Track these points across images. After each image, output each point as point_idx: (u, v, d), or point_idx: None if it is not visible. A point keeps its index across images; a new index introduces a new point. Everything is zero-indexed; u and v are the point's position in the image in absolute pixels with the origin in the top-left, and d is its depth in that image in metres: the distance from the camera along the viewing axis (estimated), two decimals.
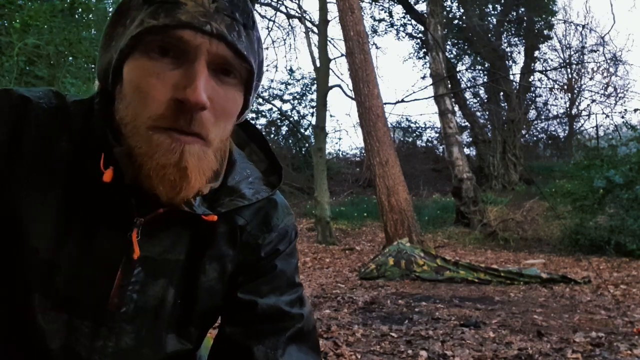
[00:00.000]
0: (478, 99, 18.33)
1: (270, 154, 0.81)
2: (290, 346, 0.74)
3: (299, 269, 0.84)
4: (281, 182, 0.78)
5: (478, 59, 17.70)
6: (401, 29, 17.30)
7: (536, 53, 17.74)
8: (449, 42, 17.16)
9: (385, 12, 17.34)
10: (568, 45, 18.55)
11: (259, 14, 15.95)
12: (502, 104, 16.98)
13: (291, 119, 18.15)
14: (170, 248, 0.69)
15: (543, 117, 19.01)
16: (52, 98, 0.67)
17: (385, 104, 9.22)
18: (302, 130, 18.03)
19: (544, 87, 18.02)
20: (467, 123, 16.83)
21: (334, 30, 38.59)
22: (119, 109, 0.63)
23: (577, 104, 18.79)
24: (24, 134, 0.63)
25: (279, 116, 18.57)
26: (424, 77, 17.86)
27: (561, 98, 18.94)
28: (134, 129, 0.60)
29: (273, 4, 14.99)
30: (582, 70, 17.98)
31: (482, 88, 17.75)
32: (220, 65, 0.61)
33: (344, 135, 28.59)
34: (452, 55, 17.37)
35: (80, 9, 6.48)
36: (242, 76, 0.65)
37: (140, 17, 0.59)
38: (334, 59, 16.70)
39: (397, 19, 17.23)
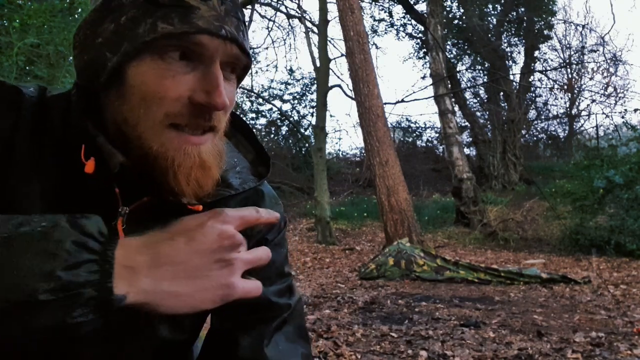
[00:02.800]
0: (478, 99, 18.35)
1: (257, 144, 0.80)
2: (278, 335, 0.75)
3: (288, 258, 0.84)
4: (269, 172, 0.78)
5: (478, 59, 17.71)
6: (401, 29, 17.33)
7: (536, 53, 17.76)
8: (449, 42, 17.17)
9: (385, 12, 17.37)
10: (568, 45, 18.58)
11: (259, 14, 15.95)
12: (502, 104, 16.99)
13: (291, 119, 18.14)
14: None
15: (543, 117, 19.03)
16: (38, 91, 0.68)
17: (385, 104, 9.23)
18: (302, 130, 18.03)
19: (544, 87, 18.05)
20: (467, 123, 16.84)
21: (334, 30, 38.57)
22: (119, 110, 0.62)
23: (577, 104, 18.82)
24: (20, 128, 0.63)
25: (279, 116, 18.57)
26: (424, 77, 17.89)
27: (561, 98, 18.96)
28: (144, 128, 0.60)
29: (273, 4, 15.00)
30: (582, 70, 18.01)
31: (482, 88, 17.77)
32: (228, 64, 0.64)
33: (344, 135, 28.63)
34: (452, 55, 17.38)
35: (80, 9, 6.48)
36: (240, 68, 0.67)
37: (150, 20, 0.58)
38: (334, 59, 16.72)
39: (397, 19, 17.27)
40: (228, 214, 0.58)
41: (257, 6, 14.82)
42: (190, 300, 0.54)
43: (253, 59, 0.76)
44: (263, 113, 18.71)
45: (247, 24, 0.69)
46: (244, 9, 0.69)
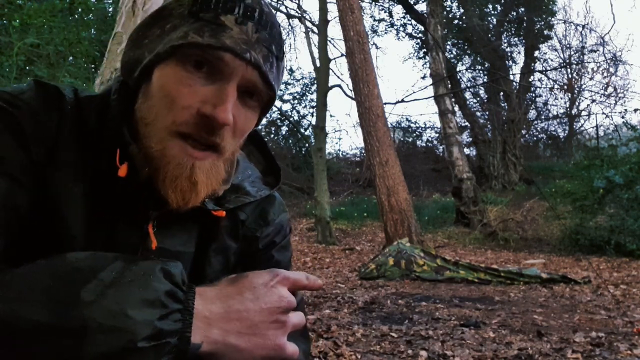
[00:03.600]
0: (478, 99, 18.35)
1: (267, 155, 0.85)
2: None
3: (292, 263, 0.88)
4: (279, 183, 0.83)
5: (478, 59, 17.71)
6: (401, 29, 17.34)
7: (536, 53, 17.77)
8: (449, 42, 17.17)
9: (385, 12, 17.39)
10: (568, 45, 18.59)
11: None
12: (502, 104, 16.99)
13: (291, 119, 18.16)
14: (184, 241, 0.73)
15: (543, 117, 19.04)
16: (74, 93, 0.70)
17: (385, 104, 9.23)
18: (302, 130, 18.04)
19: (544, 87, 18.04)
20: (467, 123, 16.84)
21: (334, 30, 38.59)
22: (141, 107, 0.66)
23: (577, 104, 18.82)
24: (63, 127, 0.65)
25: (279, 116, 18.58)
26: (424, 77, 17.90)
27: (561, 98, 18.97)
28: (153, 130, 0.63)
29: (273, 4, 14.98)
30: (582, 70, 18.01)
31: (482, 88, 17.77)
32: (247, 88, 0.65)
33: (344, 135, 28.70)
34: (452, 55, 17.38)
35: (80, 9, 6.47)
36: (263, 100, 0.69)
37: (184, 29, 0.62)
38: (334, 59, 16.76)
39: (397, 19, 17.28)
40: (287, 276, 0.63)
41: None
42: (247, 356, 0.58)
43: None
44: None
45: (283, 63, 0.70)
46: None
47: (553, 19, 17.24)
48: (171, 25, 0.64)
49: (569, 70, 18.20)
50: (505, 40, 17.88)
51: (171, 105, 0.62)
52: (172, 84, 0.62)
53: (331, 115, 26.34)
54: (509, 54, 17.77)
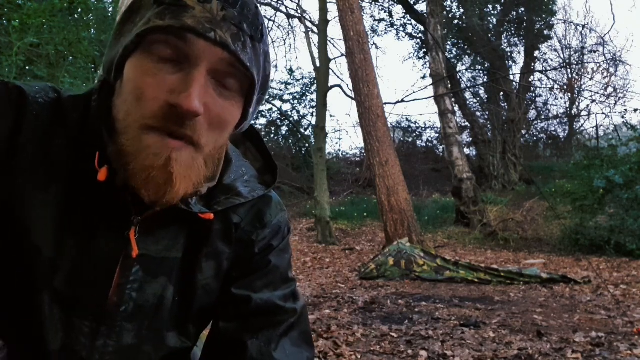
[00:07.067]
0: (478, 99, 18.33)
1: (265, 153, 0.81)
2: (284, 340, 0.75)
3: (292, 264, 0.85)
4: (276, 181, 0.79)
5: (478, 59, 17.69)
6: (401, 29, 17.32)
7: (536, 53, 17.75)
8: (449, 42, 17.16)
9: (385, 12, 17.36)
10: (568, 45, 18.57)
11: None
12: (502, 104, 16.98)
13: (291, 119, 18.15)
14: (169, 246, 0.70)
15: (543, 117, 19.03)
16: (50, 92, 0.67)
17: (385, 104, 9.22)
18: (302, 130, 18.04)
19: (544, 87, 18.04)
20: (467, 123, 16.83)
21: (334, 30, 38.62)
22: (116, 104, 0.63)
23: (577, 104, 18.82)
24: (23, 130, 0.62)
25: (279, 116, 18.58)
26: (424, 77, 17.88)
27: (561, 98, 18.96)
28: (125, 127, 0.60)
29: (273, 4, 14.99)
30: (582, 70, 18.00)
31: (482, 88, 17.76)
32: (221, 74, 0.61)
33: (344, 135, 28.62)
34: (452, 55, 17.37)
35: (79, 9, 6.47)
36: (243, 87, 0.64)
37: (148, 16, 0.59)
38: (334, 59, 16.79)
39: (397, 19, 17.26)
40: None
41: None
42: None
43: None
44: (263, 113, 18.72)
45: (263, 46, 0.65)
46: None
47: (553, 19, 17.25)
48: (140, 17, 0.61)
49: (569, 70, 18.21)
50: (505, 40, 17.87)
51: (139, 98, 0.58)
52: (139, 76, 0.59)
53: (331, 115, 26.33)
54: (509, 54, 17.76)
